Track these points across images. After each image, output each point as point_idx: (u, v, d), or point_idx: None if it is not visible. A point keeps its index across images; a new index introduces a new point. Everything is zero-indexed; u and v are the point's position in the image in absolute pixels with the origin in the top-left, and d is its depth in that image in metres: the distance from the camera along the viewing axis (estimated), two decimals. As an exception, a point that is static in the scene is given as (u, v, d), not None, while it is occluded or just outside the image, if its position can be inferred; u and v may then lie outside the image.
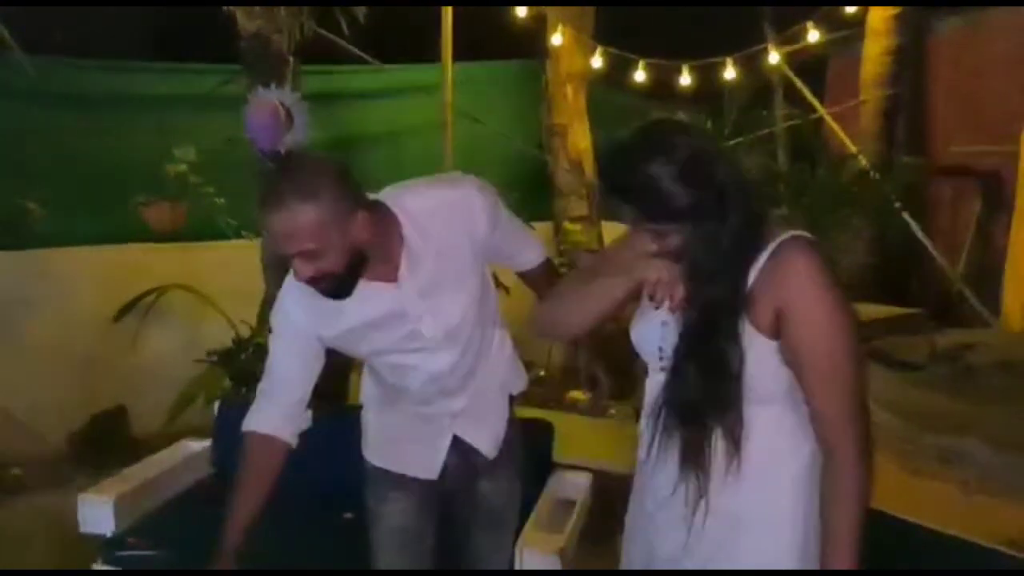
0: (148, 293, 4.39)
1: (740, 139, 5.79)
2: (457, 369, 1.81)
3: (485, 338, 1.87)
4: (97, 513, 2.63)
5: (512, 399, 2.00)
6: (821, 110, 6.93)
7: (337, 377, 3.88)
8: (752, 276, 1.38)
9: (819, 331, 1.35)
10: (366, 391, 1.98)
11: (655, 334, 1.50)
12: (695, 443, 1.44)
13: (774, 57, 6.34)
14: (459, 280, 1.74)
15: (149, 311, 4.39)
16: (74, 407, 4.26)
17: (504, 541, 2.08)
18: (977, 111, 6.95)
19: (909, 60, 7.12)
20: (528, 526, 2.34)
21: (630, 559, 1.68)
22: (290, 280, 1.68)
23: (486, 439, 1.92)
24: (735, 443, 1.41)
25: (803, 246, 1.37)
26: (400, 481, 1.92)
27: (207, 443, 3.11)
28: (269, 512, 2.72)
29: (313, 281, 1.55)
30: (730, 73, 5.94)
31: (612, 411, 4.71)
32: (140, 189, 4.08)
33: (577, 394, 4.97)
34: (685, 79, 5.97)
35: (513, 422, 2.00)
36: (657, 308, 1.43)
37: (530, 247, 1.95)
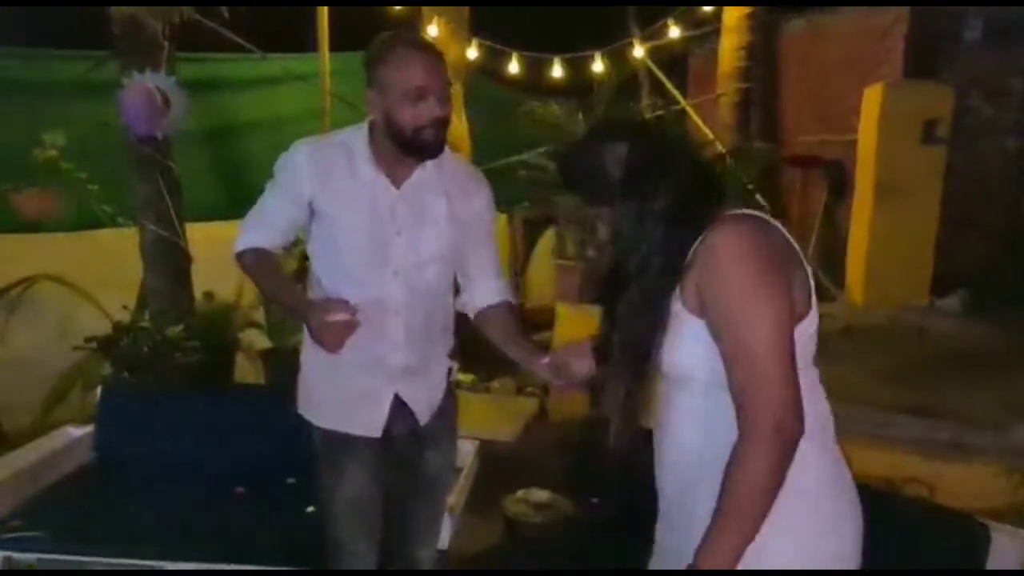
0: (15, 284, 4.25)
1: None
2: (405, 310, 1.89)
3: (438, 308, 1.97)
4: (-25, 499, 2.59)
5: (450, 372, 2.07)
6: (683, 102, 7.33)
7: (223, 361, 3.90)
8: (689, 257, 1.33)
9: (728, 306, 1.27)
10: (308, 350, 1.96)
11: None
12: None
13: (639, 51, 6.69)
14: (446, 228, 1.90)
15: (18, 303, 4.25)
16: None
17: (438, 510, 2.15)
18: (821, 105, 7.56)
19: (761, 57, 7.66)
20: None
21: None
22: (300, 141, 1.91)
23: (422, 402, 1.97)
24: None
25: (731, 222, 1.30)
26: (352, 452, 1.95)
27: (89, 429, 3.10)
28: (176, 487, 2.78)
29: (438, 122, 1.80)
30: (599, 66, 6.22)
31: (496, 384, 4.91)
32: (8, 176, 3.93)
33: (462, 376, 5.13)
34: (557, 71, 6.24)
35: (451, 395, 2.07)
36: None
37: (492, 276, 2.02)
